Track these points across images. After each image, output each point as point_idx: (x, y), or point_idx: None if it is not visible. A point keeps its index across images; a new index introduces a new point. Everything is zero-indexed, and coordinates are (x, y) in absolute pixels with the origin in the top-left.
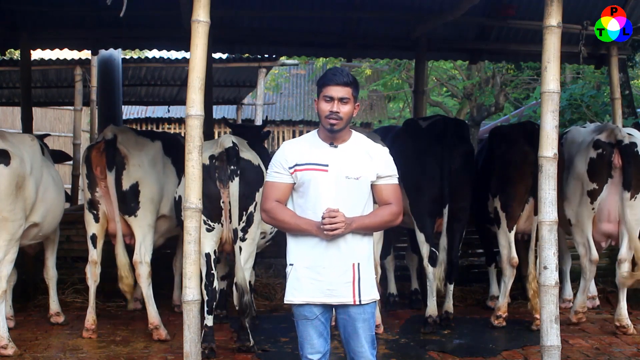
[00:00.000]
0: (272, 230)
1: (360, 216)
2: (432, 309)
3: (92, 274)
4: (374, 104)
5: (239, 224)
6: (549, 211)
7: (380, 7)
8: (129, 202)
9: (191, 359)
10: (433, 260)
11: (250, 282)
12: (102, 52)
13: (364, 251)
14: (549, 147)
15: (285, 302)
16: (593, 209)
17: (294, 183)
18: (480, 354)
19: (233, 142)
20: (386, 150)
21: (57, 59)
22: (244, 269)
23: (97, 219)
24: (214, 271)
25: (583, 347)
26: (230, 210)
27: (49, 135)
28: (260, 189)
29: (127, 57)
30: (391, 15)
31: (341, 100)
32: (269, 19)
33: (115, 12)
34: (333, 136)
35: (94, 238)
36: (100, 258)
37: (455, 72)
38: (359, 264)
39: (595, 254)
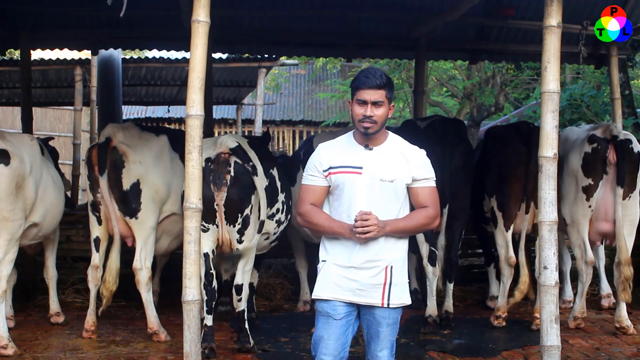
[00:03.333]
0: (276, 230)
1: (395, 219)
2: (432, 308)
3: (94, 278)
4: None
5: (235, 226)
6: (549, 211)
7: (380, 7)
8: (130, 202)
9: (191, 359)
10: (432, 260)
11: (252, 283)
12: (102, 52)
13: (397, 254)
14: (549, 147)
15: (312, 297)
16: (590, 206)
17: (329, 186)
18: (480, 354)
19: (237, 142)
20: (423, 152)
21: (57, 59)
22: (245, 271)
23: (100, 222)
24: (212, 271)
25: (583, 347)
26: (225, 212)
27: (52, 138)
28: (256, 192)
29: (127, 57)
30: (391, 15)
31: (375, 103)
32: (269, 19)
33: (115, 12)
34: (368, 138)
35: (97, 241)
36: (102, 262)
37: (455, 72)
38: (392, 267)
39: (590, 255)
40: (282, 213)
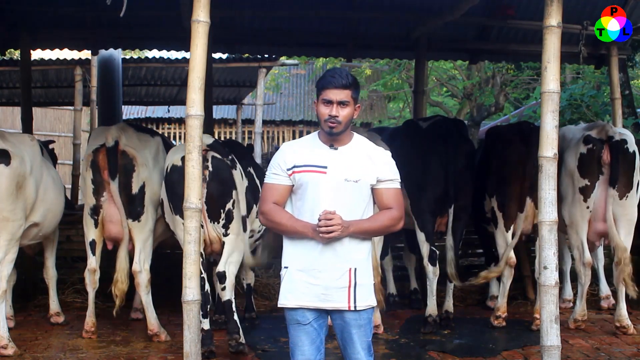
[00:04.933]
0: (261, 228)
1: (359, 220)
2: (432, 308)
3: (91, 281)
4: (374, 103)
5: (219, 222)
6: (549, 211)
7: (380, 7)
8: (136, 206)
9: (191, 359)
10: (433, 260)
11: (249, 284)
12: (102, 52)
13: (361, 256)
14: (549, 147)
15: (278, 305)
16: (588, 207)
17: (293, 185)
18: (480, 354)
19: (214, 139)
20: (388, 153)
21: (57, 59)
22: (229, 262)
23: (97, 225)
24: (203, 274)
25: (583, 347)
26: (207, 210)
27: (53, 141)
28: (237, 186)
29: (127, 57)
30: (391, 15)
31: (340, 103)
32: (269, 18)
33: (115, 12)
34: (333, 138)
35: (93, 244)
36: (98, 265)
37: (455, 72)
38: (355, 269)
39: (588, 257)
40: None
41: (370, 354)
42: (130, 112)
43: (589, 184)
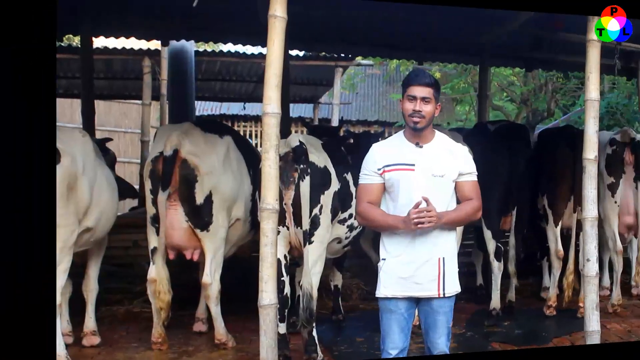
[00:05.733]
0: (348, 234)
1: (447, 211)
2: (496, 301)
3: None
4: (443, 106)
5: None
6: (591, 208)
7: (451, 14)
8: (203, 216)
9: None
10: (498, 255)
11: (337, 285)
12: (173, 43)
13: (449, 245)
14: (590, 150)
15: (376, 295)
16: (616, 202)
17: (384, 183)
18: (534, 342)
19: (300, 141)
20: (466, 149)
21: (124, 48)
22: (312, 273)
23: (158, 233)
24: (284, 277)
25: (618, 331)
26: (293, 212)
27: (111, 139)
28: (326, 192)
29: (201, 49)
30: (460, 22)
31: (423, 99)
32: (345, 18)
33: (188, 2)
34: (418, 135)
35: (154, 251)
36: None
37: (514, 79)
38: (444, 258)
39: (619, 246)
40: (354, 219)
41: (448, 340)
42: (203, 107)
43: (614, 181)
